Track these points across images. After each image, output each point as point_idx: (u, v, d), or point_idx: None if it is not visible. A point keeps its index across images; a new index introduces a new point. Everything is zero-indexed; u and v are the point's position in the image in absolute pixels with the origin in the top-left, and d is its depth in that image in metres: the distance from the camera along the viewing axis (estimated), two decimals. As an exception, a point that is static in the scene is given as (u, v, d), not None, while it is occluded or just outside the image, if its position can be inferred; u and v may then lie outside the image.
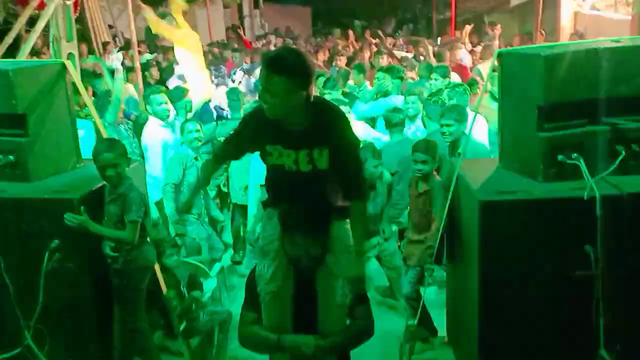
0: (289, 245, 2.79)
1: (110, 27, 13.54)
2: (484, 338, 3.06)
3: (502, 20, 13.54)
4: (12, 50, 5.15)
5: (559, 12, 7.12)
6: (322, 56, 9.98)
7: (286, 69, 2.55)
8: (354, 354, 3.00)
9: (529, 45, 7.75)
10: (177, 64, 7.99)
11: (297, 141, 2.75)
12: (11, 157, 3.21)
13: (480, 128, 5.39)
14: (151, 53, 11.08)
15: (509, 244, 2.91)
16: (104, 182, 3.36)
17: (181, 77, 7.75)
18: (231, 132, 3.13)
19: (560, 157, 2.96)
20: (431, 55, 9.31)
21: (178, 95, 6.44)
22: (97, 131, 3.99)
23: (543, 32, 8.78)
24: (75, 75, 3.64)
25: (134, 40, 6.74)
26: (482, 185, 3.12)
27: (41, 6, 5.88)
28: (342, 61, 9.47)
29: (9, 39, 4.78)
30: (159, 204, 5.38)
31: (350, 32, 13.24)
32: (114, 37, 13.34)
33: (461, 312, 3.55)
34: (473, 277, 3.06)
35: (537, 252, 2.91)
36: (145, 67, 8.79)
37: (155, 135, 5.80)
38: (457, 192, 3.38)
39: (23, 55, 4.84)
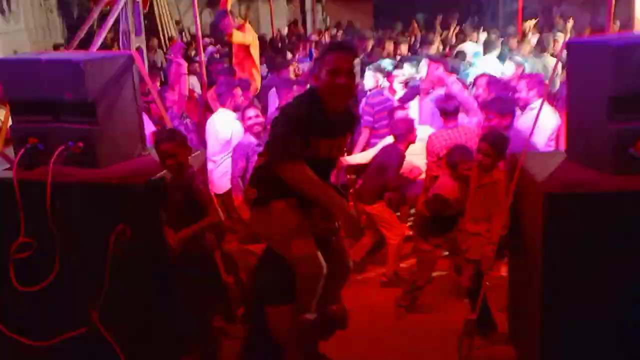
0: (322, 220, 2.93)
1: (177, 22, 13.91)
2: (546, 335, 2.97)
3: (573, 12, 13.06)
4: (85, 44, 5.34)
5: (634, 2, 6.81)
6: (389, 47, 9.97)
7: (355, 49, 3.02)
8: (414, 346, 2.97)
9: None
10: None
11: (333, 129, 2.90)
12: (80, 144, 3.34)
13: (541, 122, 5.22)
14: (214, 46, 11.31)
15: (574, 238, 2.81)
16: (167, 170, 3.44)
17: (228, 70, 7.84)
18: (294, 125, 2.74)
19: (630, 151, 2.84)
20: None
21: (245, 87, 6.59)
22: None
23: (617, 23, 8.46)
24: (142, 66, 3.75)
25: (199, 34, 6.94)
26: (546, 177, 3.02)
27: (112, 2, 6.08)
28: (404, 49, 9.51)
29: (81, 33, 4.97)
30: (225, 195, 5.46)
31: (414, 22, 13.28)
32: (181, 32, 13.68)
33: (523, 307, 3.46)
34: (536, 272, 2.98)
35: (603, 248, 2.80)
36: (209, 60, 9.00)
37: (230, 126, 5.80)
38: (521, 185, 3.28)
39: (94, 48, 5.02)
